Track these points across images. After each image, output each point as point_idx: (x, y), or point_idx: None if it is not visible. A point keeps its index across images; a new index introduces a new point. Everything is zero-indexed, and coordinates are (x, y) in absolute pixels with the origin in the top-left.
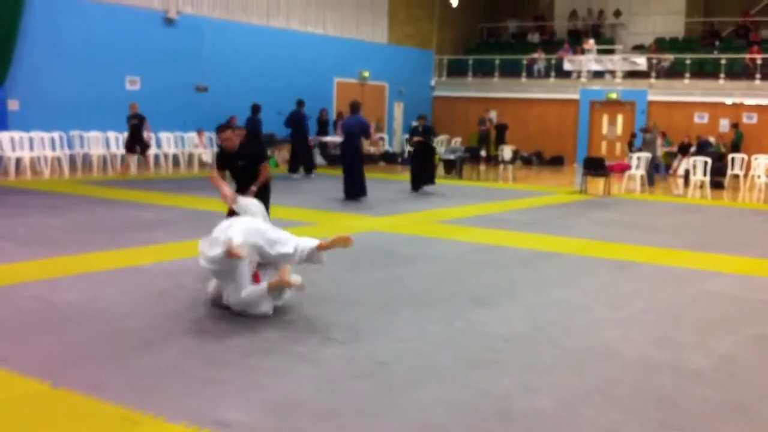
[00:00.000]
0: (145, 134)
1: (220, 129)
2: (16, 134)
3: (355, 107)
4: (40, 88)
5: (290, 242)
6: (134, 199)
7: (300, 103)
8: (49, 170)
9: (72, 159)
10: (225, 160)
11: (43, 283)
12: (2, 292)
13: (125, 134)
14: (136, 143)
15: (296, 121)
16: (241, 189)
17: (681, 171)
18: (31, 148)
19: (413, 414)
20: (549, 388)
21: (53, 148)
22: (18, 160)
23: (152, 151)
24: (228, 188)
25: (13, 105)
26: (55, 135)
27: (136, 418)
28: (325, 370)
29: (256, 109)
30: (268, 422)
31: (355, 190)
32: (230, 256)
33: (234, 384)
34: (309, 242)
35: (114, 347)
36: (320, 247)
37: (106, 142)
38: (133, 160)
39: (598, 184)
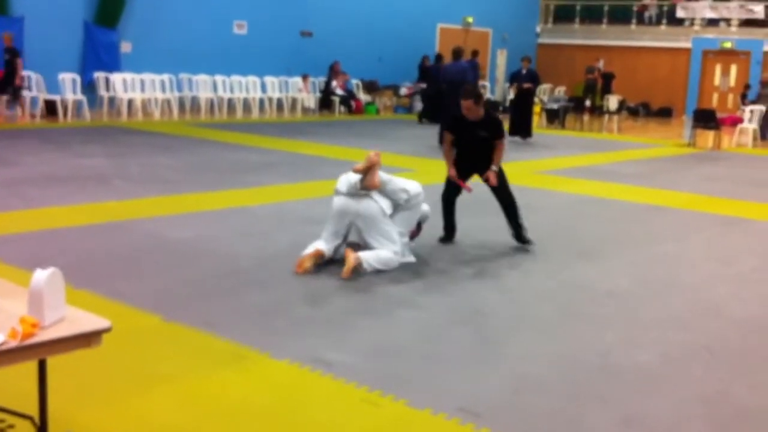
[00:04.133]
0: (18, 76)
1: (464, 95)
2: (129, 76)
3: (457, 53)
4: (152, 31)
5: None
6: (241, 142)
7: (438, 58)
8: (160, 112)
9: (181, 101)
10: (461, 127)
11: (156, 221)
12: (117, 228)
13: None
14: (7, 84)
15: (429, 75)
16: (468, 159)
17: None
18: (143, 89)
19: (514, 364)
20: (653, 344)
21: (163, 90)
22: (130, 101)
23: (257, 94)
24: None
25: (125, 47)
26: (165, 77)
27: (243, 353)
28: (425, 315)
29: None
30: (368, 364)
31: None
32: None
33: (335, 325)
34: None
35: (222, 285)
36: (355, 170)
37: (213, 86)
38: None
39: (707, 137)
